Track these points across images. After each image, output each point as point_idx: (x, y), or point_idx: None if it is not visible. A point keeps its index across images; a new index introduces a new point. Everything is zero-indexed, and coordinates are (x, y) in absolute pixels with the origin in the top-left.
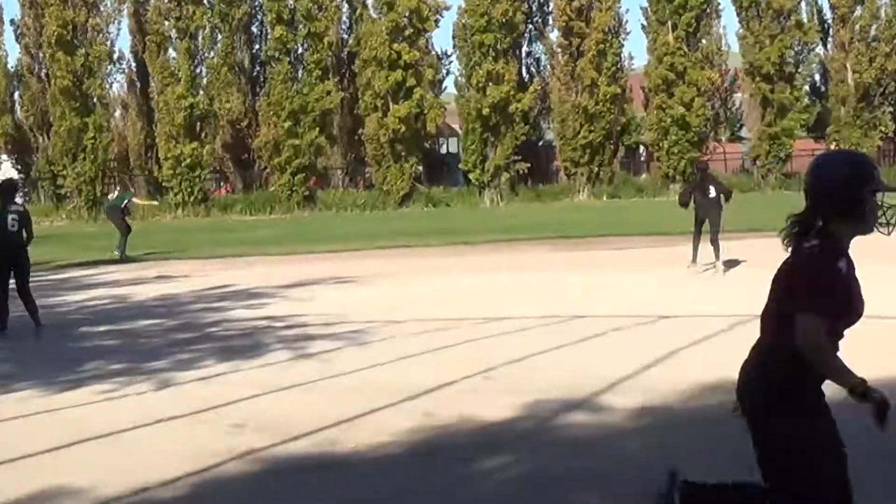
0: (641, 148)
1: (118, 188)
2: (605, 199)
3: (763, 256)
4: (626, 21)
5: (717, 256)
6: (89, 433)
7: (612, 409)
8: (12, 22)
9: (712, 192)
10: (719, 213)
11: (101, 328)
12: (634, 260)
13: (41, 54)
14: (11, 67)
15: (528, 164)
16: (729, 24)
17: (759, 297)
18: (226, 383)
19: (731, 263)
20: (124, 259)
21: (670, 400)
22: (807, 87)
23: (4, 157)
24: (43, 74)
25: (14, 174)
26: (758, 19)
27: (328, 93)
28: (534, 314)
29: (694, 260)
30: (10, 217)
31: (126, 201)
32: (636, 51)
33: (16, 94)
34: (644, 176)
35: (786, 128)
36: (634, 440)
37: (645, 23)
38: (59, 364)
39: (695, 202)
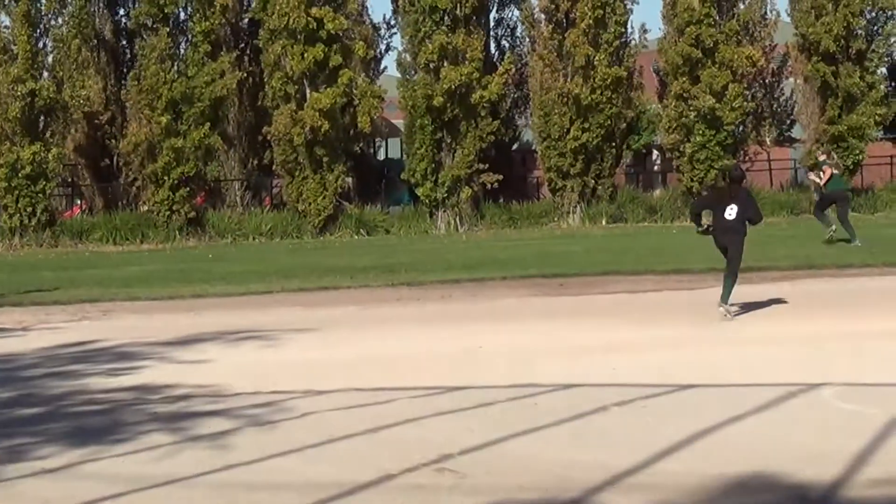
0: (655, 153)
1: None
2: (604, 223)
3: (817, 303)
4: None
5: (724, 298)
6: None
7: None
8: None
9: (732, 214)
10: (741, 242)
11: None
12: (645, 307)
13: None
14: None
15: (499, 176)
16: None
17: (808, 360)
18: (79, 477)
19: (772, 311)
20: None
21: (690, 501)
22: (883, 70)
23: None
24: None
25: None
26: None
27: (221, 74)
28: (504, 383)
29: (724, 300)
30: None
31: None
32: (649, 20)
33: None
34: (658, 192)
35: (854, 125)
36: None
37: None
38: None
39: (713, 222)
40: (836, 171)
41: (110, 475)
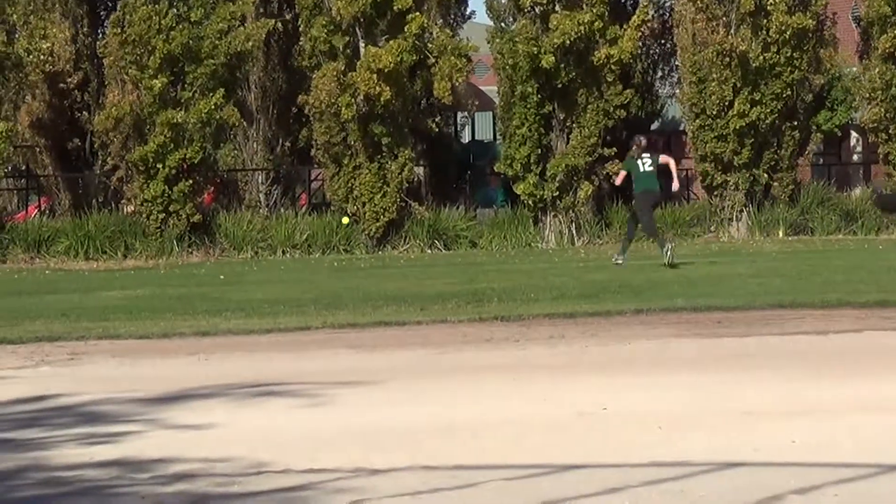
0: (854, 137)
1: None
2: (781, 234)
3: None
4: None
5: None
6: None
7: None
8: None
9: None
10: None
11: None
12: (839, 354)
13: None
14: None
15: None
16: None
17: None
18: None
19: None
20: None
21: None
22: None
23: None
24: None
25: None
26: None
27: (242, 21)
28: (637, 460)
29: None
30: None
31: None
32: None
33: None
34: (858, 191)
35: None
36: None
37: None
38: None
39: None
40: (647, 167)
41: None
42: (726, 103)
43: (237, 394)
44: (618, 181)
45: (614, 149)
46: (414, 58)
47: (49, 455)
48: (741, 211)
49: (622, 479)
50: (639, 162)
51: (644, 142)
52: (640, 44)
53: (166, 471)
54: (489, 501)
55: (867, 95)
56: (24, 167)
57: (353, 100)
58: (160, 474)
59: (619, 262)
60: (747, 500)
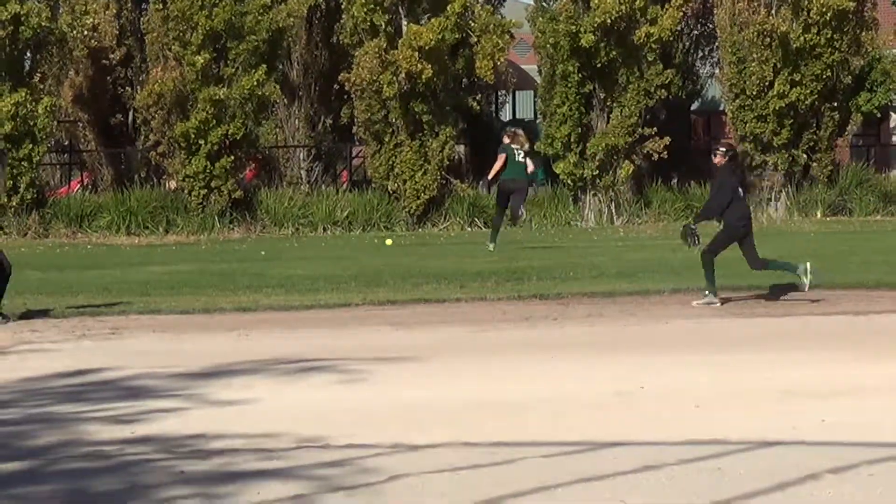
0: (893, 117)
1: None
2: (819, 215)
3: None
4: None
5: None
6: None
7: None
8: None
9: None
10: None
11: None
12: (878, 334)
13: None
14: None
15: (668, 140)
16: None
17: None
18: None
19: None
20: None
21: None
22: None
23: None
24: None
25: None
26: None
27: None
28: (674, 438)
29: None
30: None
31: None
32: None
33: None
34: None
35: None
36: None
37: None
38: None
39: None
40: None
41: None
42: (766, 84)
43: (277, 370)
44: (496, 167)
45: (654, 128)
46: (456, 36)
47: (90, 430)
48: (780, 191)
49: (658, 456)
50: (515, 150)
51: (516, 133)
52: (681, 23)
53: (206, 446)
54: (528, 478)
55: None
56: (66, 142)
57: (394, 77)
58: (200, 449)
59: (491, 248)
60: (784, 478)
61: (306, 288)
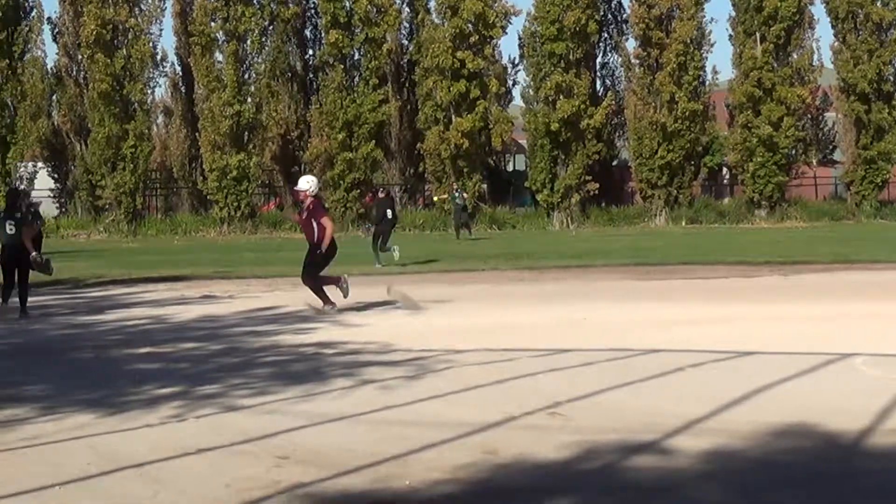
0: (724, 170)
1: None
2: (683, 224)
3: (850, 290)
4: (710, 32)
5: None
6: (122, 463)
7: (685, 451)
8: (49, 20)
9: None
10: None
11: (140, 350)
12: (716, 290)
13: (79, 55)
14: (50, 69)
15: (597, 185)
16: (823, 37)
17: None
18: (271, 412)
19: (815, 295)
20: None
21: (746, 443)
22: None
23: (41, 164)
24: (81, 77)
25: (50, 183)
26: (854, 32)
27: (384, 102)
28: (603, 346)
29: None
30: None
31: None
32: (720, 64)
33: (54, 98)
34: (727, 200)
35: (883, 151)
36: (706, 486)
37: (731, 33)
38: (95, 387)
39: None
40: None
41: (295, 411)
42: (654, 151)
43: (378, 307)
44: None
45: (591, 176)
46: (481, 124)
47: (277, 339)
48: (661, 210)
49: (594, 357)
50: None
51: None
52: (606, 118)
53: (343, 348)
54: (520, 368)
55: (732, 148)
56: (267, 181)
57: (448, 147)
58: (339, 350)
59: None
60: (665, 369)
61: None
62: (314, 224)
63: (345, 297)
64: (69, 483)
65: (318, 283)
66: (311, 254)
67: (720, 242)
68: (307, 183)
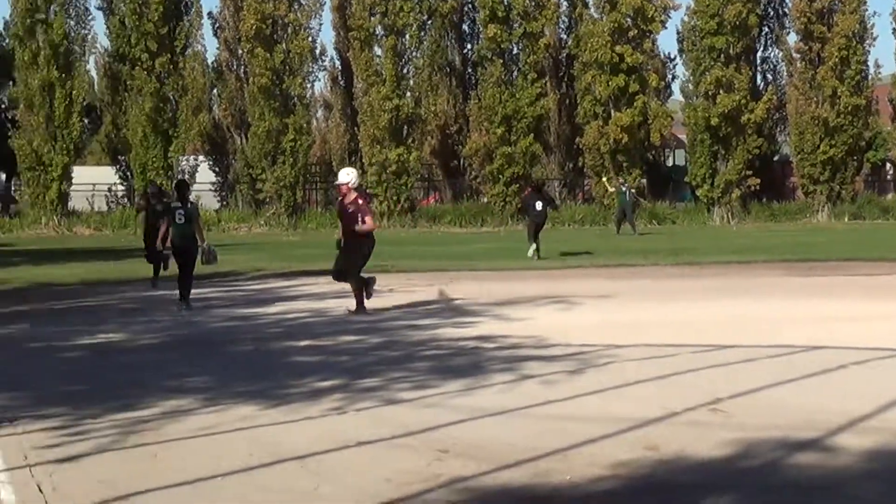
0: (888, 165)
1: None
2: (846, 220)
3: None
4: (873, 25)
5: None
6: (283, 455)
7: (848, 450)
8: (210, 15)
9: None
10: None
11: (301, 343)
12: (879, 288)
13: (239, 50)
14: (210, 63)
15: (759, 180)
16: None
17: None
18: (431, 406)
19: None
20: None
21: None
22: None
23: (202, 158)
24: (241, 72)
25: (211, 176)
26: None
27: (542, 96)
28: (765, 343)
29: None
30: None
31: None
32: (884, 58)
33: (214, 91)
34: (890, 196)
35: None
36: (867, 485)
37: (894, 27)
38: (255, 379)
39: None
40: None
41: (455, 405)
42: (816, 146)
43: (538, 302)
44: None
45: (751, 171)
46: (640, 118)
47: (437, 332)
48: (823, 206)
49: (755, 353)
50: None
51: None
52: (767, 112)
53: (502, 343)
54: (681, 364)
55: (894, 142)
56: (426, 175)
57: (607, 141)
58: (499, 345)
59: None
60: (828, 366)
61: (557, 259)
62: (360, 219)
63: (368, 298)
64: (231, 474)
65: (360, 284)
66: (352, 252)
67: (884, 239)
68: (347, 175)
